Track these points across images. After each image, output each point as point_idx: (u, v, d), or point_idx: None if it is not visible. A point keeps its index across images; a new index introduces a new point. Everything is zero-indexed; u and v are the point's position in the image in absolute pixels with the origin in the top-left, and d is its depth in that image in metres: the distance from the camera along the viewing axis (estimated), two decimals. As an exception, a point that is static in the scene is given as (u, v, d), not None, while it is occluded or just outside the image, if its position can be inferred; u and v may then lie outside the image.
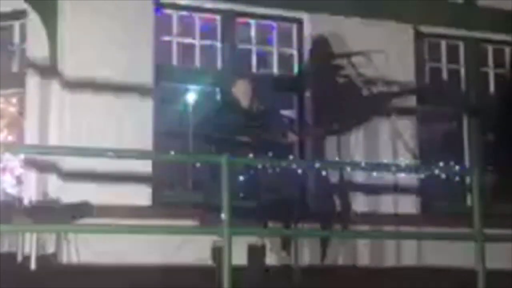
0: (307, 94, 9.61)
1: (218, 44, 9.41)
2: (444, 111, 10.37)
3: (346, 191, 9.34)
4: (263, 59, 9.66)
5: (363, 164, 8.75)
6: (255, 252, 7.36)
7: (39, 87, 8.95)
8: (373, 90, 9.68)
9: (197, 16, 9.38)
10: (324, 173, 8.71)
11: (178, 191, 8.87)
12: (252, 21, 9.61)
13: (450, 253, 8.58)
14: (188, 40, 9.31)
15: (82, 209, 8.12)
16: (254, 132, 7.55)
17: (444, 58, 10.39)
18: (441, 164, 8.10)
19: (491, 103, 10.30)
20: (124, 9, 8.72)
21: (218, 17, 9.44)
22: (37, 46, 8.99)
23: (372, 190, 9.32)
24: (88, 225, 7.74)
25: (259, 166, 7.18)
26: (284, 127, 8.07)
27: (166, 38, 9.19)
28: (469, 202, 9.61)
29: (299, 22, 9.75)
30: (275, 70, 9.68)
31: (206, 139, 7.59)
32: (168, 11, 9.23)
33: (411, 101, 9.88)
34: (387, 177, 9.23)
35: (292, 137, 8.01)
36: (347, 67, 9.65)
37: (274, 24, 9.72)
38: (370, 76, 9.62)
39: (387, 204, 9.41)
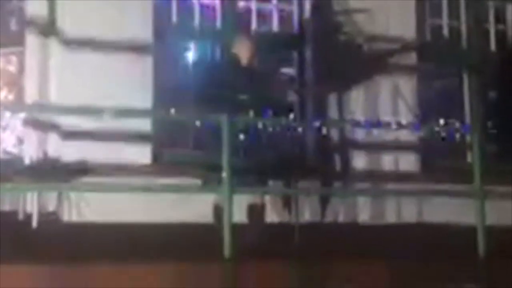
0: (308, 51, 9.57)
1: (218, 2, 9.35)
2: (444, 68, 10.34)
3: (347, 149, 9.35)
4: (263, 17, 9.61)
5: (363, 122, 8.76)
6: (255, 211, 7.39)
7: (38, 46, 8.91)
8: (373, 47, 9.64)
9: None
10: (324, 131, 8.71)
11: (179, 150, 8.87)
12: (252, -21, 9.56)
13: (451, 210, 8.59)
14: (188, -2, 9.28)
15: (82, 168, 8.13)
16: (254, 90, 7.53)
17: (445, 15, 10.34)
18: (441, 121, 8.10)
19: (492, 60, 10.27)
20: (123, -34, 8.66)
21: (217, -25, 9.39)
22: (36, 4, 8.93)
23: (372, 148, 9.33)
24: (88, 183, 7.76)
25: (260, 125, 7.17)
26: (284, 85, 8.06)
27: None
28: (469, 159, 9.61)
29: (300, -21, 9.70)
30: (275, 27, 9.63)
31: (206, 98, 7.57)
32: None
33: (411, 58, 9.85)
34: (388, 135, 9.24)
35: (292, 95, 7.99)
36: (347, 25, 9.61)
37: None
38: (371, 33, 9.57)
39: (387, 162, 9.43)
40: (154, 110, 8.61)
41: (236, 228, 6.16)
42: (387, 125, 8.77)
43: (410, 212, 9.24)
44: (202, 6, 9.30)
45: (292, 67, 9.58)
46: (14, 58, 9.39)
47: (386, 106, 9.54)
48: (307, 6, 9.61)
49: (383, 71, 9.62)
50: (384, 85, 9.61)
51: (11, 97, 9.32)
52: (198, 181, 7.40)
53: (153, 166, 8.57)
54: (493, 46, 10.49)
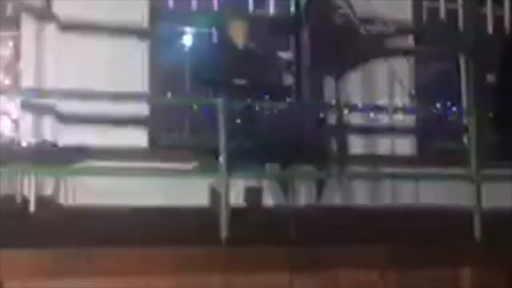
0: (304, 35, 9.55)
1: (214, -15, 9.34)
2: (441, 51, 10.33)
3: (343, 132, 9.35)
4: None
5: (360, 106, 8.77)
6: (252, 194, 7.40)
7: (34, 30, 8.90)
8: (370, 30, 9.62)
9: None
10: (321, 115, 8.71)
11: (175, 134, 8.88)
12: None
13: (447, 193, 8.60)
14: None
15: (79, 152, 8.14)
16: (250, 74, 7.52)
17: (442, -3, 10.33)
18: (438, 104, 8.12)
19: (489, 44, 10.25)
20: (119, -50, 8.63)
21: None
22: (31, -12, 8.92)
23: (369, 131, 9.34)
24: (85, 167, 7.77)
25: (256, 109, 7.17)
26: (280, 68, 8.05)
27: (162, -21, 9.12)
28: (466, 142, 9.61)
29: (296, -40, 9.66)
30: (271, 10, 9.60)
31: (202, 82, 7.57)
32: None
33: (408, 41, 9.84)
34: (384, 118, 9.24)
35: (289, 79, 7.98)
36: (344, 7, 9.58)
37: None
38: (367, 15, 9.55)
39: (384, 145, 9.43)
40: (151, 95, 8.61)
41: (233, 212, 6.18)
42: (384, 108, 8.77)
43: (406, 195, 9.25)
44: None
45: (289, 50, 9.56)
46: (10, 43, 9.38)
47: (382, 89, 9.53)
48: (304, -11, 9.59)
49: (379, 54, 9.61)
50: (380, 68, 9.60)
51: (7, 81, 9.31)
52: (195, 165, 7.41)
53: (150, 150, 8.57)
54: (490, 29, 10.47)
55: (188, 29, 9.27)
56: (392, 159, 9.21)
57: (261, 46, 7.87)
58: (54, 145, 8.36)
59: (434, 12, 10.30)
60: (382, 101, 9.37)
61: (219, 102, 6.30)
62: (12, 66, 9.29)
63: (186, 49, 9.23)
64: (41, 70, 8.77)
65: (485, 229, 6.66)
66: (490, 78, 10.09)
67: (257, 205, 7.45)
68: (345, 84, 9.44)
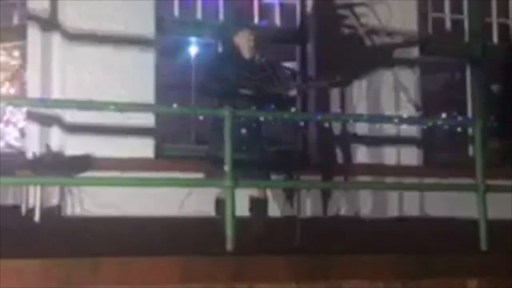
0: (310, 45, 9.57)
1: (220, -4, 9.36)
2: (447, 62, 10.34)
3: (348, 143, 9.36)
4: (265, 10, 9.61)
5: (365, 116, 8.77)
6: (258, 204, 7.39)
7: (40, 40, 8.92)
8: (375, 41, 9.63)
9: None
10: (326, 125, 8.72)
11: (181, 144, 8.88)
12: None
13: (452, 204, 8.60)
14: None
15: (85, 162, 8.14)
16: (256, 84, 7.52)
17: (447, 8, 10.32)
18: (443, 115, 8.11)
19: (495, 54, 10.26)
20: (124, -40, 8.66)
21: (219, -32, 9.38)
22: (37, -2, 8.95)
23: (374, 142, 9.34)
24: (91, 177, 7.77)
25: (262, 119, 7.16)
26: (286, 79, 8.04)
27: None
28: (471, 153, 9.61)
29: (302, -27, 9.69)
30: (277, 21, 9.63)
31: (208, 92, 7.57)
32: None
33: (413, 52, 9.85)
34: (390, 129, 9.23)
35: (295, 89, 7.98)
36: (350, 18, 9.61)
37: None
38: (373, 26, 9.57)
39: (389, 155, 9.43)
40: (157, 104, 8.61)
41: (238, 222, 6.18)
42: (389, 119, 8.77)
43: (411, 206, 9.24)
44: (204, 0, 9.29)
45: (294, 61, 9.58)
46: (16, 52, 9.41)
47: (388, 100, 9.53)
48: (309, 0, 9.60)
49: (385, 64, 9.62)
50: (386, 78, 9.61)
51: (13, 90, 9.34)
52: (201, 175, 7.41)
53: (156, 160, 8.58)
54: (495, 39, 10.47)
55: (193, 39, 9.29)
56: (397, 170, 9.22)
57: (267, 56, 7.86)
58: (60, 154, 8.37)
59: (439, 22, 10.30)
60: (388, 112, 9.36)
61: (225, 112, 6.30)
62: (18, 76, 9.32)
63: (192, 59, 9.25)
64: (47, 80, 8.79)
65: (491, 239, 6.64)
66: (496, 87, 10.10)
67: (262, 215, 7.44)
68: (351, 95, 9.46)
